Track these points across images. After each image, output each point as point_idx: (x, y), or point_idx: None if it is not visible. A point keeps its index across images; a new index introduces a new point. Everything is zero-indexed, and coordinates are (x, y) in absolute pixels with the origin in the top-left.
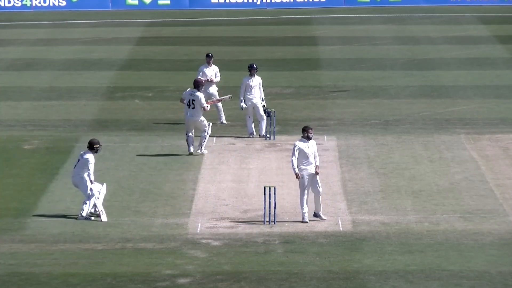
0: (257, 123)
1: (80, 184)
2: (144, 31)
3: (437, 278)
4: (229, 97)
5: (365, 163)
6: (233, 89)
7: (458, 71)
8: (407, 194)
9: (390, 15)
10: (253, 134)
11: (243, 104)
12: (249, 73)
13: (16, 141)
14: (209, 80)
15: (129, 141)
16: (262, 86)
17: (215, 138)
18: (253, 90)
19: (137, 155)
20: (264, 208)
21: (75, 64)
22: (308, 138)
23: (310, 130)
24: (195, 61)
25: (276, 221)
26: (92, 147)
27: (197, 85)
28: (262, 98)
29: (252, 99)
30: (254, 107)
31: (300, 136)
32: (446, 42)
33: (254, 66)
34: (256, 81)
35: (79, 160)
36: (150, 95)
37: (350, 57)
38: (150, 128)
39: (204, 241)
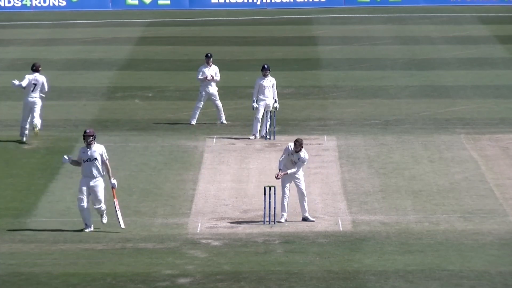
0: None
1: (37, 103)
2: (144, 31)
3: (437, 278)
4: None
5: (365, 163)
6: (232, 89)
7: (458, 71)
8: (407, 194)
9: (390, 15)
10: (256, 137)
11: (255, 104)
12: (262, 73)
13: (16, 141)
14: (209, 78)
15: (129, 141)
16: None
17: (215, 138)
18: (265, 91)
19: (137, 155)
20: (264, 208)
21: (75, 64)
22: (296, 152)
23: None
24: (195, 61)
25: (276, 221)
26: (32, 68)
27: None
28: (276, 100)
29: (265, 99)
30: (266, 108)
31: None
32: (446, 42)
33: (266, 66)
34: (269, 81)
35: (35, 84)
36: (150, 95)
37: (350, 57)
38: (150, 128)
39: (204, 241)
